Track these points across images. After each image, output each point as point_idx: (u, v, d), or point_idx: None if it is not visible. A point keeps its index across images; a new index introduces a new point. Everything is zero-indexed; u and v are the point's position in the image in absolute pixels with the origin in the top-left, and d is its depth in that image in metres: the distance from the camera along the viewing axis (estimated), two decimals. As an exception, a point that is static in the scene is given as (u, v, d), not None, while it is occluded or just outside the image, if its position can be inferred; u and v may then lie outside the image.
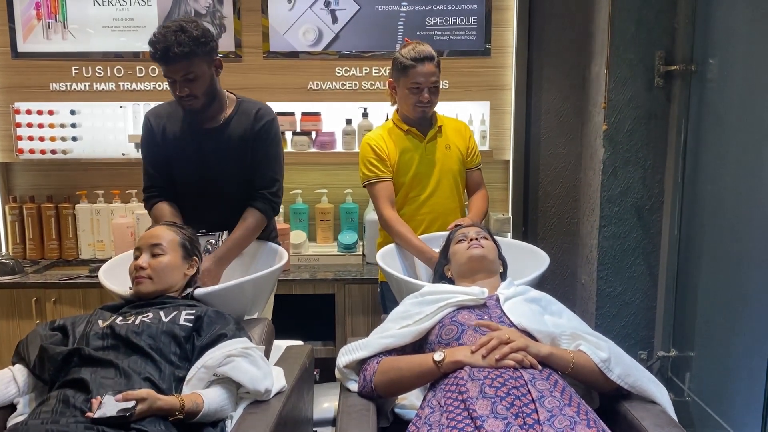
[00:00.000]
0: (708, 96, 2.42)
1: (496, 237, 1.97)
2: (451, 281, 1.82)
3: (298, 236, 2.85)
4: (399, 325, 1.58)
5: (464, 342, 1.48)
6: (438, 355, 1.42)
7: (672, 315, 2.68)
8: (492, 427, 1.20)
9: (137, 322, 1.56)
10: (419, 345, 1.58)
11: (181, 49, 1.84)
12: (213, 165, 2.06)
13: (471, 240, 1.80)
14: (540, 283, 2.94)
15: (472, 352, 1.39)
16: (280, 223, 2.72)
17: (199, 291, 1.73)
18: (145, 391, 1.35)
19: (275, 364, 1.78)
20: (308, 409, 1.88)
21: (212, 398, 1.45)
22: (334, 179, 2.97)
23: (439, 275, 1.89)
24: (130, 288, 1.75)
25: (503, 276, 1.84)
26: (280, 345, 2.01)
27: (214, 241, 2.07)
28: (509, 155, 2.91)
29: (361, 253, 2.87)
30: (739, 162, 2.18)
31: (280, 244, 2.34)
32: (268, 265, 2.07)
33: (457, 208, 2.36)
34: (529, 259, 2.08)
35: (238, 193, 2.09)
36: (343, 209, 2.93)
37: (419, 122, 2.30)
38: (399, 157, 2.28)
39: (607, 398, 1.53)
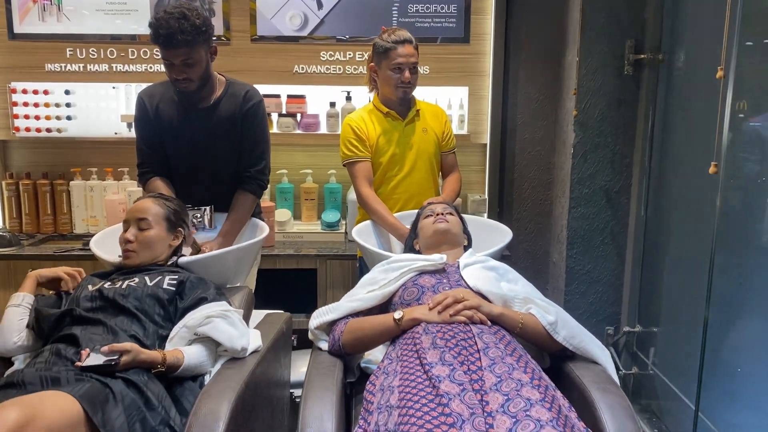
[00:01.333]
0: (675, 84, 2.54)
1: (465, 215, 2.11)
2: (419, 253, 1.95)
3: (283, 214, 2.98)
4: (366, 290, 1.72)
5: (424, 302, 1.62)
6: (398, 314, 1.56)
7: (638, 292, 2.82)
8: (439, 372, 1.33)
9: (124, 286, 1.69)
10: (385, 306, 1.71)
11: (184, 37, 1.95)
12: (203, 143, 2.18)
13: (437, 215, 1.93)
14: (513, 263, 3.09)
15: (429, 310, 1.53)
16: (265, 201, 2.84)
17: (183, 259, 1.86)
18: (129, 345, 1.49)
19: (258, 324, 1.92)
20: (285, 371, 2.02)
21: (192, 354, 1.59)
22: (319, 160, 3.09)
23: (409, 248, 2.02)
24: (120, 256, 1.88)
25: (467, 249, 1.97)
26: (261, 313, 2.15)
27: (199, 216, 2.20)
28: (486, 139, 3.03)
29: (343, 231, 2.99)
30: (704, 147, 2.30)
31: (263, 221, 2.47)
32: (251, 239, 2.20)
33: (431, 188, 2.49)
34: (495, 235, 2.22)
35: (226, 170, 2.22)
36: (327, 189, 3.05)
37: (399, 105, 2.42)
38: (378, 138, 2.40)
39: (555, 359, 1.66)
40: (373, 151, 2.41)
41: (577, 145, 2.77)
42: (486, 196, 3.06)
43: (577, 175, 2.79)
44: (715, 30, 2.28)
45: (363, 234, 2.25)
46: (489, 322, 1.53)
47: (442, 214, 1.93)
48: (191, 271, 1.85)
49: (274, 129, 2.99)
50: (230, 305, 1.75)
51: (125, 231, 1.86)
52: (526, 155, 3.07)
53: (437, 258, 1.75)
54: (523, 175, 3.09)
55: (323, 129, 3.00)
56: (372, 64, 2.40)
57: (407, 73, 2.31)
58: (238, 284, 2.13)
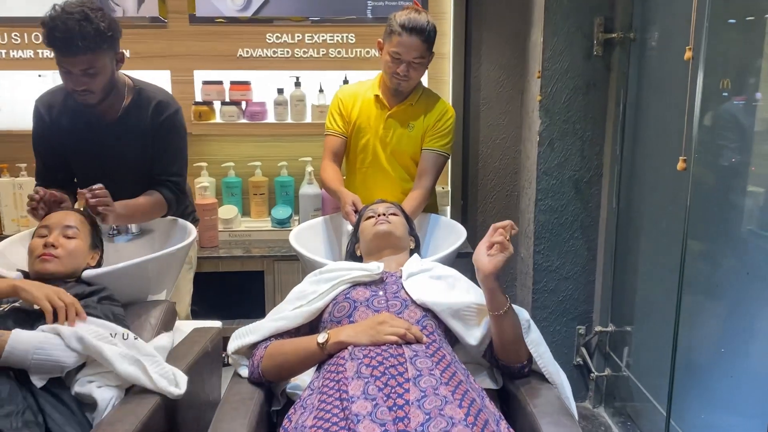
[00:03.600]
0: (648, 65, 2.34)
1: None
2: (360, 259, 1.74)
3: (228, 211, 2.75)
4: (293, 306, 1.51)
5: (355, 319, 1.41)
6: (321, 337, 1.35)
7: (610, 289, 2.64)
8: (359, 409, 1.13)
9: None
10: (316, 324, 1.51)
11: (85, 43, 1.68)
12: (112, 158, 1.95)
13: (379, 216, 1.72)
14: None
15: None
16: (205, 197, 2.61)
17: (89, 273, 1.64)
18: None
19: (175, 347, 1.71)
20: (213, 392, 1.81)
21: (24, 339, 1.33)
22: (269, 151, 2.86)
23: (350, 254, 1.81)
24: (19, 271, 1.65)
25: (414, 253, 1.76)
26: (189, 324, 1.94)
27: (115, 226, 1.98)
28: (453, 111, 2.81)
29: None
30: (678, 134, 2.11)
31: (197, 221, 2.25)
32: (179, 242, 1.98)
33: (402, 193, 2.21)
34: (450, 234, 2.01)
35: (141, 185, 1.98)
36: (277, 183, 2.83)
37: (391, 93, 2.17)
38: (356, 121, 2.19)
39: (508, 378, 1.47)
40: (352, 132, 2.21)
41: (543, 133, 2.56)
42: (449, 188, 2.85)
43: (544, 165, 2.58)
44: (689, 6, 2.08)
45: (305, 235, 2.03)
46: (426, 340, 1.33)
47: (384, 214, 1.72)
48: (101, 284, 1.64)
49: (217, 118, 2.76)
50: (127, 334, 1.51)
51: (42, 237, 1.64)
52: (491, 143, 2.86)
53: (374, 267, 1.53)
54: (488, 165, 2.88)
55: (271, 118, 2.77)
56: (380, 40, 2.14)
57: (402, 67, 2.05)
58: (163, 295, 1.92)
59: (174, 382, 1.43)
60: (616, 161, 2.54)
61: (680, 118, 2.08)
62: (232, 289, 2.74)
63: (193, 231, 1.98)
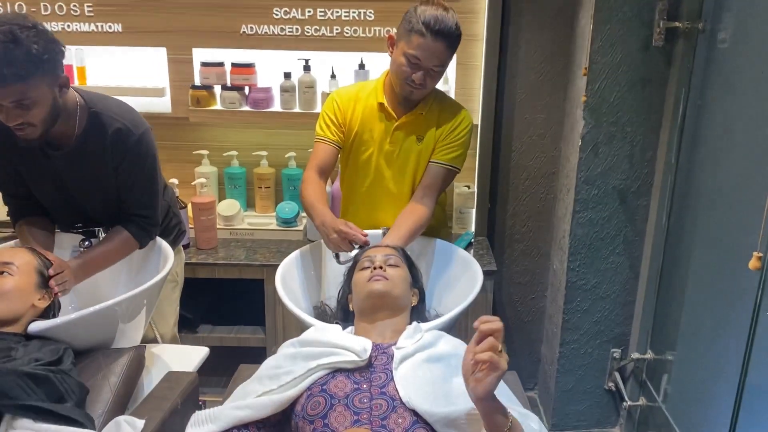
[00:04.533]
0: (717, 60, 1.95)
1: (425, 237, 1.59)
2: (352, 315, 1.48)
3: (230, 207, 2.50)
4: (263, 387, 1.26)
5: (330, 422, 1.16)
6: None
7: (652, 313, 2.33)
8: None
9: None
10: (287, 413, 1.26)
11: (13, 71, 1.37)
12: (73, 189, 1.70)
13: (375, 269, 1.44)
14: (506, 266, 2.61)
15: None
16: (204, 195, 2.36)
17: (35, 327, 1.41)
18: None
19: (142, 402, 1.51)
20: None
21: None
22: (276, 139, 2.57)
23: (342, 306, 1.55)
24: None
25: (416, 313, 1.49)
26: (168, 356, 1.75)
27: (87, 244, 1.75)
28: (477, 119, 2.47)
29: (302, 228, 2.52)
30: (749, 140, 1.76)
31: (183, 233, 2.01)
32: (156, 269, 1.75)
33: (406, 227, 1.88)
34: (461, 272, 1.72)
35: (112, 213, 1.74)
36: (284, 175, 2.56)
37: (399, 100, 1.83)
38: (356, 132, 1.86)
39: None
40: (352, 144, 1.88)
41: (586, 137, 2.20)
42: (475, 189, 2.53)
43: (585, 172, 2.24)
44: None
45: (294, 268, 1.76)
46: None
47: (383, 267, 1.44)
48: (54, 339, 1.42)
49: (217, 105, 2.47)
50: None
51: None
52: (526, 139, 2.51)
53: (360, 349, 1.26)
54: (521, 164, 2.54)
55: (276, 106, 2.46)
56: (393, 34, 1.79)
57: (419, 75, 1.70)
58: (139, 333, 1.70)
59: None
60: (671, 170, 2.18)
61: (756, 126, 1.71)
62: (231, 293, 2.52)
63: (169, 257, 1.73)
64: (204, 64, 2.40)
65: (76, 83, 2.46)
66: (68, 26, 2.43)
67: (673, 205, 2.21)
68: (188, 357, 1.85)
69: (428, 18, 1.65)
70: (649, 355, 2.35)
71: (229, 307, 2.53)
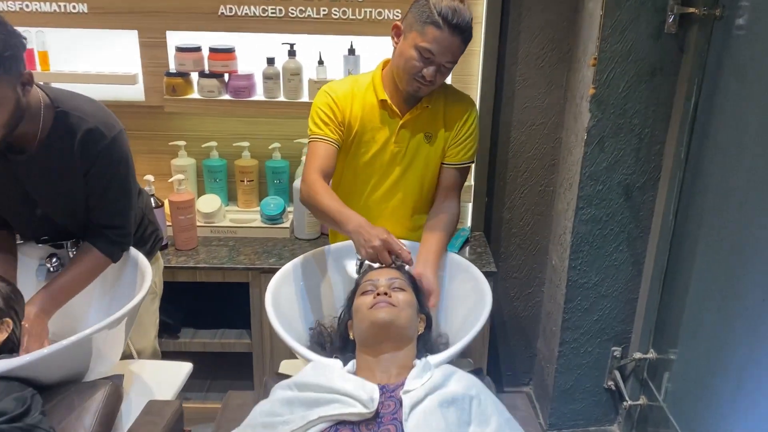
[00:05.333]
0: (733, 49, 1.83)
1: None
2: (353, 346, 1.35)
3: (210, 203, 2.33)
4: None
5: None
6: None
7: (655, 311, 2.25)
8: None
9: None
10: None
11: None
12: (38, 198, 1.52)
13: (378, 294, 1.30)
14: (503, 260, 2.49)
15: None
16: (182, 192, 2.19)
17: (-2, 366, 1.26)
18: None
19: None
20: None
21: None
22: (258, 128, 2.40)
23: (341, 332, 1.41)
24: None
25: (422, 341, 1.36)
26: (149, 373, 1.64)
27: (54, 261, 1.59)
28: (475, 108, 2.32)
29: (288, 225, 2.36)
30: (763, 135, 1.65)
31: (160, 240, 1.86)
32: (133, 284, 1.60)
33: (409, 225, 1.78)
34: (471, 289, 1.58)
35: (81, 224, 1.58)
36: (268, 168, 2.39)
37: (402, 97, 1.67)
38: (358, 131, 1.68)
39: None
40: (352, 145, 1.71)
41: (592, 130, 2.07)
42: (472, 181, 2.39)
43: (590, 167, 2.12)
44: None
45: (286, 284, 1.61)
46: None
47: (387, 293, 1.31)
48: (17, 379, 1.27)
49: (195, 93, 2.28)
50: None
51: None
52: (526, 129, 2.37)
53: (366, 399, 1.13)
54: (521, 154, 2.40)
55: (259, 94, 2.28)
56: (399, 23, 1.62)
57: (431, 70, 1.55)
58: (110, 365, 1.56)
59: None
60: (679, 165, 2.07)
61: None
62: (214, 295, 2.38)
63: (147, 273, 1.57)
64: (179, 49, 2.20)
65: (38, 69, 2.25)
66: (27, 6, 2.20)
67: (681, 200, 2.10)
68: (170, 375, 1.72)
69: (446, 10, 1.50)
70: (652, 354, 2.27)
71: (213, 309, 2.38)
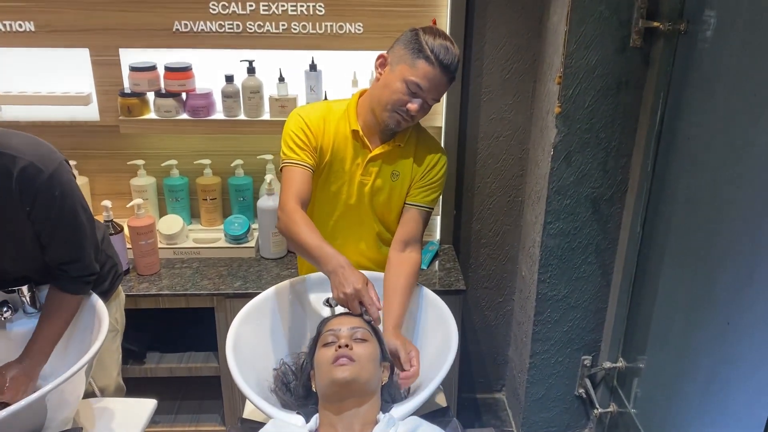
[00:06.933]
0: (697, 62, 1.81)
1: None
2: (315, 398, 1.32)
3: (172, 224, 2.27)
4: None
5: None
6: None
7: (624, 320, 2.25)
8: None
9: None
10: None
11: None
12: None
13: (340, 347, 1.27)
14: (473, 270, 2.47)
15: None
16: (142, 217, 2.12)
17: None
18: None
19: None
20: None
21: None
22: (220, 144, 2.33)
23: (304, 383, 1.38)
24: None
25: (386, 391, 1.33)
26: (111, 412, 1.59)
27: (8, 309, 1.52)
28: (441, 121, 2.28)
29: (254, 245, 2.31)
30: (728, 146, 1.65)
31: (120, 275, 1.80)
32: (90, 327, 1.55)
33: (374, 260, 1.76)
34: (436, 324, 1.56)
35: (32, 267, 1.52)
36: (232, 185, 2.33)
37: (378, 130, 1.64)
38: (329, 159, 1.65)
39: None
40: (322, 172, 1.67)
41: (558, 146, 2.05)
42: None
43: (557, 182, 2.10)
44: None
45: (247, 323, 1.57)
46: None
47: (348, 345, 1.28)
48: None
49: (151, 114, 2.20)
50: None
51: None
52: (492, 140, 2.34)
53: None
54: (488, 166, 2.38)
55: (219, 112, 2.22)
56: (386, 54, 1.59)
57: (416, 104, 1.53)
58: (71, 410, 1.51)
59: None
60: (646, 177, 2.06)
61: (734, 128, 1.60)
62: (179, 318, 2.33)
63: (104, 320, 1.51)
64: (133, 69, 2.12)
65: (-15, 91, 2.15)
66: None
67: (648, 212, 2.10)
68: (134, 415, 1.67)
69: (438, 48, 1.49)
70: (621, 363, 2.28)
71: (178, 332, 2.33)
